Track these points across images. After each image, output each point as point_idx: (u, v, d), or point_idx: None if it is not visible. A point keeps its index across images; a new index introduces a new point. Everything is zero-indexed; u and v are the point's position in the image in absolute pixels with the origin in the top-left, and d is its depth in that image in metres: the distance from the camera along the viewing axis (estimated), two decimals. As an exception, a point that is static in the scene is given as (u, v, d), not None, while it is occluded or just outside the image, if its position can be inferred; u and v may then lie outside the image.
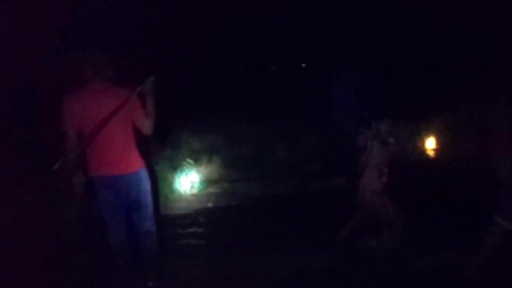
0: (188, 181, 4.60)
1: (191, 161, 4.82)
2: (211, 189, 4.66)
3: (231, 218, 3.86)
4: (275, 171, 5.01)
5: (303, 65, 7.40)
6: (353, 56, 6.59)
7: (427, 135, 5.81)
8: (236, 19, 5.58)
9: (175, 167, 4.65)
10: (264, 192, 4.53)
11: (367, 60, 6.72)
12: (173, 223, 3.68)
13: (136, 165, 2.26)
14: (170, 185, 4.50)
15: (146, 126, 2.23)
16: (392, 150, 2.94)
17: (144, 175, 2.29)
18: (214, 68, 6.29)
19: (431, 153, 5.77)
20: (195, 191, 4.57)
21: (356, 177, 3.05)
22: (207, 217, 3.90)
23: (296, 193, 4.53)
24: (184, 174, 4.63)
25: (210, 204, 4.25)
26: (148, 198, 2.31)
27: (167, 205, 4.15)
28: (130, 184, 2.23)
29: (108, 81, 2.19)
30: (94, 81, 2.15)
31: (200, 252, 3.09)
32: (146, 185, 2.30)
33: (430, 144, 5.77)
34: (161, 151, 4.49)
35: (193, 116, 5.40)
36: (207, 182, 4.73)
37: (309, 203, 4.20)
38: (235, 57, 6.53)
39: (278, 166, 5.13)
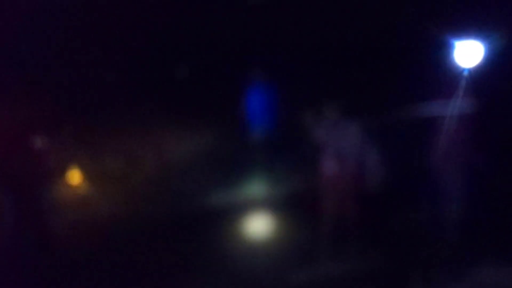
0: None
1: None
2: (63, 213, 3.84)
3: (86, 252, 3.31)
4: (144, 189, 4.50)
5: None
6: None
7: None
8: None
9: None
10: (131, 216, 3.96)
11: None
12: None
13: None
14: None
15: None
16: None
17: None
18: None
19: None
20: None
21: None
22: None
23: (169, 215, 4.07)
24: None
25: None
26: None
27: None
28: None
29: None
30: None
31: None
32: None
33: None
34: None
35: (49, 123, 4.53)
36: (59, 204, 3.94)
37: (184, 227, 3.78)
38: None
39: (148, 183, 4.63)
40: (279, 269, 2.93)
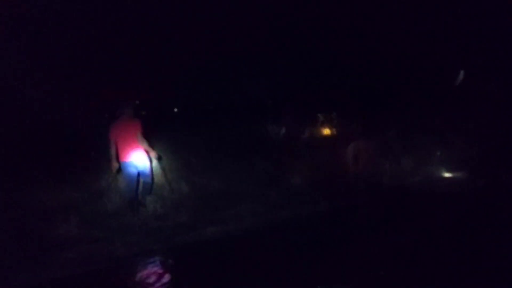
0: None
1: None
2: (65, 253, 3.95)
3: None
4: (141, 225, 4.64)
5: (175, 109, 7.24)
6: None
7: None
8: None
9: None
10: (129, 251, 4.10)
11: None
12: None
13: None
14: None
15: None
16: None
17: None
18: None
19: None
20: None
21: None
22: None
23: (166, 248, 4.19)
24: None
25: (65, 272, 3.62)
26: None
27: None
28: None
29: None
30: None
31: None
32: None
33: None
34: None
35: (41, 165, 4.70)
36: (61, 244, 4.05)
37: (180, 258, 3.94)
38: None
39: (144, 219, 4.78)
40: None
